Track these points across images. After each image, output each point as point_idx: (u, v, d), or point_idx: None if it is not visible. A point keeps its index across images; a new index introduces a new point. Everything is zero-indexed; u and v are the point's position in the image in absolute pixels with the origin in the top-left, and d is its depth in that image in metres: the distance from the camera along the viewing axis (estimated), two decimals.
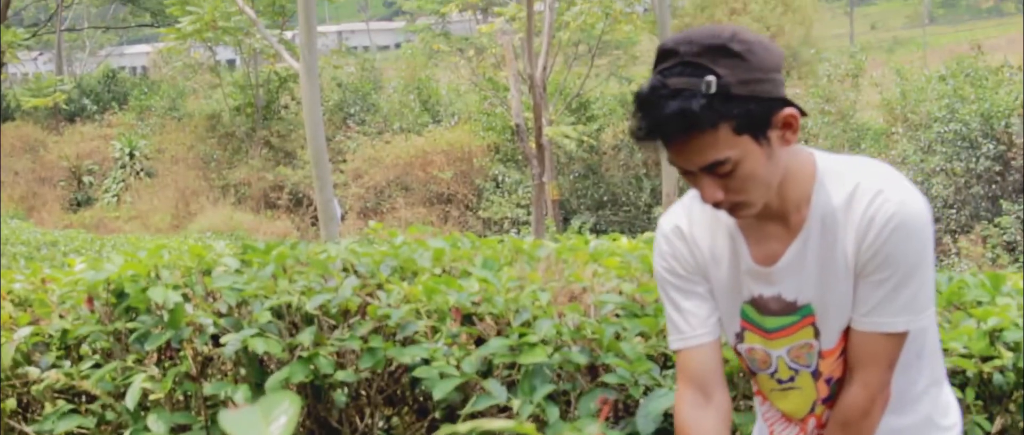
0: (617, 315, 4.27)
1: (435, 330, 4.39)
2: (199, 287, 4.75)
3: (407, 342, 4.40)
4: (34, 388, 4.72)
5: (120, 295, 4.72)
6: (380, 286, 4.69)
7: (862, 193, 2.86)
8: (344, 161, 38.30)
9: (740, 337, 3.20)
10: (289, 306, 4.55)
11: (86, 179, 42.56)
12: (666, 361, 4.17)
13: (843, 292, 2.94)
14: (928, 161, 30.33)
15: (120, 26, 73.98)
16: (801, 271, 2.99)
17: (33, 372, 4.74)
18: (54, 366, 4.77)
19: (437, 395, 4.07)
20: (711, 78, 2.66)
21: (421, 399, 4.71)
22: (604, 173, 37.37)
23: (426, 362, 4.22)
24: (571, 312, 4.22)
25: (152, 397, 4.62)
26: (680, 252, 3.20)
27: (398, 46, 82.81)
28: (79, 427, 4.56)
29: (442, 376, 4.10)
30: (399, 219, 34.89)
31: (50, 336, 4.87)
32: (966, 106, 30.04)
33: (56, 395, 4.79)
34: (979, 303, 4.41)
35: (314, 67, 23.63)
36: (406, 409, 4.78)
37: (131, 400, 4.31)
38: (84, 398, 4.80)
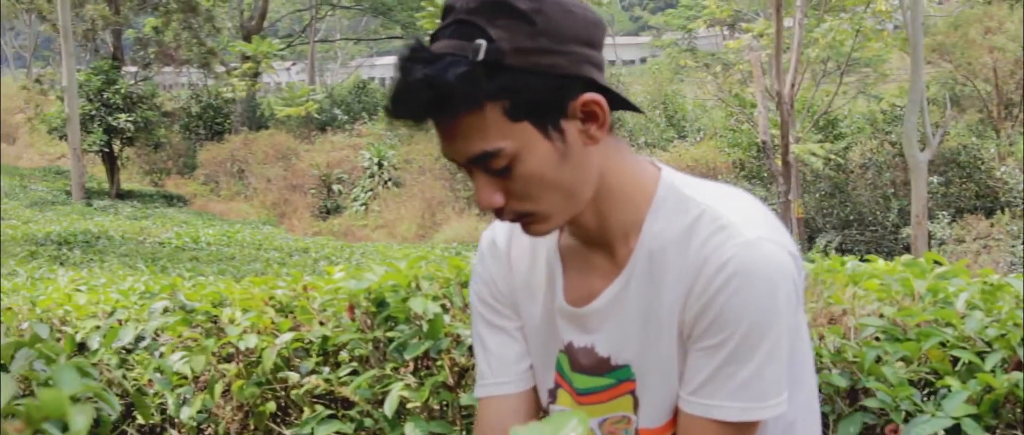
0: (878, 338, 4.18)
1: None
2: (458, 298, 4.80)
3: None
4: (294, 392, 4.82)
5: (380, 304, 4.80)
6: None
7: (702, 226, 2.17)
8: None
9: (553, 395, 2.54)
10: None
11: (335, 187, 43.47)
12: (927, 386, 4.09)
13: (667, 356, 2.24)
14: None
15: (371, 38, 75.59)
16: (621, 320, 2.31)
17: (293, 377, 4.85)
18: (313, 372, 4.88)
19: None
20: (481, 42, 2.04)
21: None
22: (851, 192, 36.83)
23: None
24: (831, 334, 4.15)
25: (409, 406, 4.69)
26: (492, 275, 2.60)
27: (644, 61, 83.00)
28: (337, 432, 4.64)
29: None
30: None
31: (310, 342, 4.98)
32: None
33: (314, 400, 4.89)
34: None
35: None
36: None
37: (389, 408, 4.38)
38: (341, 404, 4.89)
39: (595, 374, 2.38)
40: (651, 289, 2.23)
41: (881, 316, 4.31)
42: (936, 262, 4.95)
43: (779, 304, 2.08)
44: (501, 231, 2.57)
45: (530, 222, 2.21)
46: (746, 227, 2.11)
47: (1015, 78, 38.67)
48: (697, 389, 2.16)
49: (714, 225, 2.13)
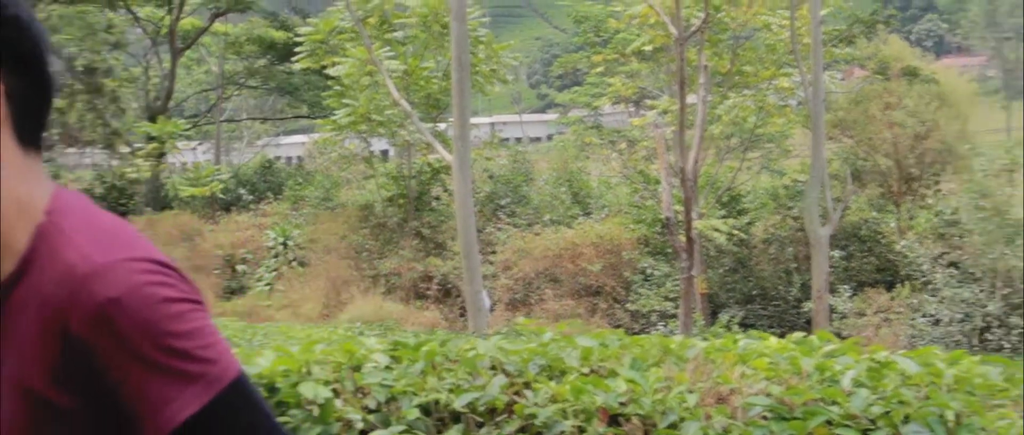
0: (765, 417, 4.22)
1: (582, 430, 4.38)
2: (349, 383, 4.78)
3: None
4: None
5: (272, 389, 4.78)
6: (528, 384, 4.69)
7: None
8: (494, 252, 38.44)
9: None
10: (437, 403, 4.57)
11: (240, 267, 43.12)
12: None
13: None
14: None
15: (277, 117, 75.45)
16: None
17: None
18: None
19: None
20: None
21: None
22: (754, 267, 37.11)
23: None
24: (718, 415, 4.18)
25: None
26: None
27: (550, 138, 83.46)
28: None
29: None
30: (547, 311, 34.89)
31: None
32: None
33: None
34: None
35: (467, 159, 23.85)
36: None
37: None
38: None
39: None
40: None
41: (768, 395, 4.34)
42: (829, 339, 5.01)
43: None
44: None
45: None
46: None
47: (915, 153, 39.15)
48: None
49: None
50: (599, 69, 41.37)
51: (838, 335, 19.39)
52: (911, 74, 40.13)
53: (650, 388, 4.38)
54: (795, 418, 4.14)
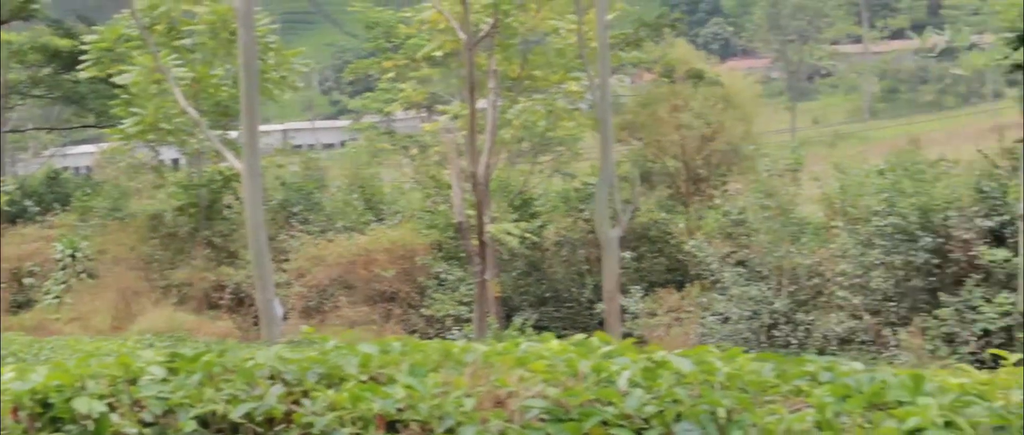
0: (542, 420, 4.24)
1: None
2: (125, 396, 4.71)
3: None
4: None
5: (45, 405, 4.68)
6: (306, 393, 4.67)
7: None
8: (287, 260, 38.13)
9: None
10: (215, 414, 4.52)
11: (27, 281, 42.11)
12: None
13: None
14: (867, 254, 30.50)
15: (64, 127, 73.70)
16: None
17: None
18: None
19: None
20: None
21: None
22: (547, 270, 37.38)
23: None
24: (495, 418, 4.19)
25: None
26: None
27: (343, 144, 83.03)
28: None
29: None
30: (342, 318, 34.76)
31: None
32: (904, 200, 30.27)
33: None
34: (900, 403, 4.36)
35: (256, 167, 23.62)
36: None
37: None
38: None
39: None
40: None
41: (545, 397, 4.37)
42: (607, 341, 5.04)
43: None
44: None
45: None
46: None
47: (702, 154, 39.84)
48: None
49: None
50: (390, 75, 41.31)
51: (629, 335, 19.64)
52: (697, 77, 40.84)
53: (428, 393, 4.38)
54: (571, 419, 4.17)
